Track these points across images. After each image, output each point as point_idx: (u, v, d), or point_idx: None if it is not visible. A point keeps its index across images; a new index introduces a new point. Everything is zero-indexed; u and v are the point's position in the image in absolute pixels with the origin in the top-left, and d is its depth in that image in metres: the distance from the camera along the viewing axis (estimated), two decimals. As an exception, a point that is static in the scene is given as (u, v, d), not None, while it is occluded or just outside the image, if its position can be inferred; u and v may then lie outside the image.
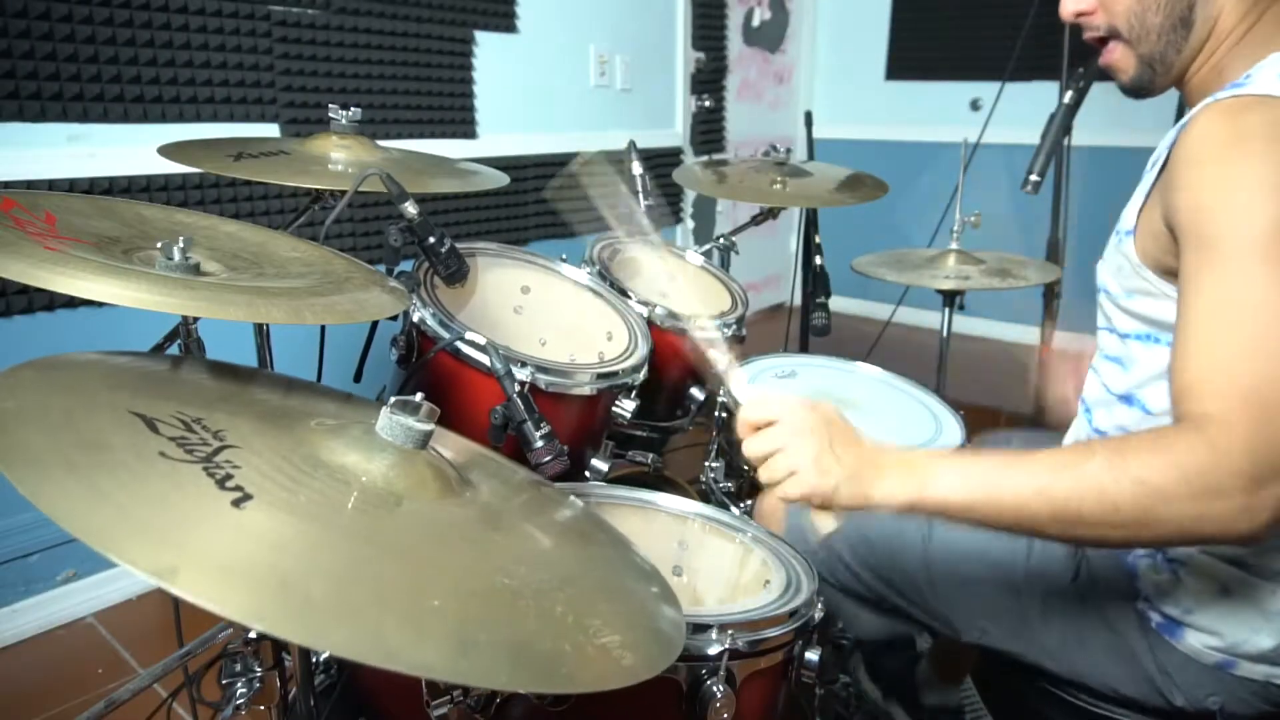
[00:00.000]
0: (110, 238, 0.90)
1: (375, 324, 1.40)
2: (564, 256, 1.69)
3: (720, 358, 0.98)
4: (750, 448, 0.88)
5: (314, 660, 1.11)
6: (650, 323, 1.62)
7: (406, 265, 1.40)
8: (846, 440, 0.87)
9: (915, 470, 0.83)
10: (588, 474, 1.43)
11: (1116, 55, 1.00)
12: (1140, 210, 0.96)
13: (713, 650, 0.93)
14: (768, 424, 0.88)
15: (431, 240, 1.30)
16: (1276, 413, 0.72)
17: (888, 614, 1.23)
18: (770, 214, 2.11)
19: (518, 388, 1.23)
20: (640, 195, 1.90)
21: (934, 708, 1.57)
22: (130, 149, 2.00)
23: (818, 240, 2.31)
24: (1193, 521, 0.73)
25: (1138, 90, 1.02)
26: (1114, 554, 1.05)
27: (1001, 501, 0.79)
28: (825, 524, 0.87)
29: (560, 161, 3.08)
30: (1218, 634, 0.97)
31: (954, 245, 2.11)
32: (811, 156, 2.78)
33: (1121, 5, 0.96)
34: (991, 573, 1.11)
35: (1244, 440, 0.72)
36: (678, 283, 1.94)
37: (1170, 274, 0.90)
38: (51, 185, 1.87)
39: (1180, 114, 0.99)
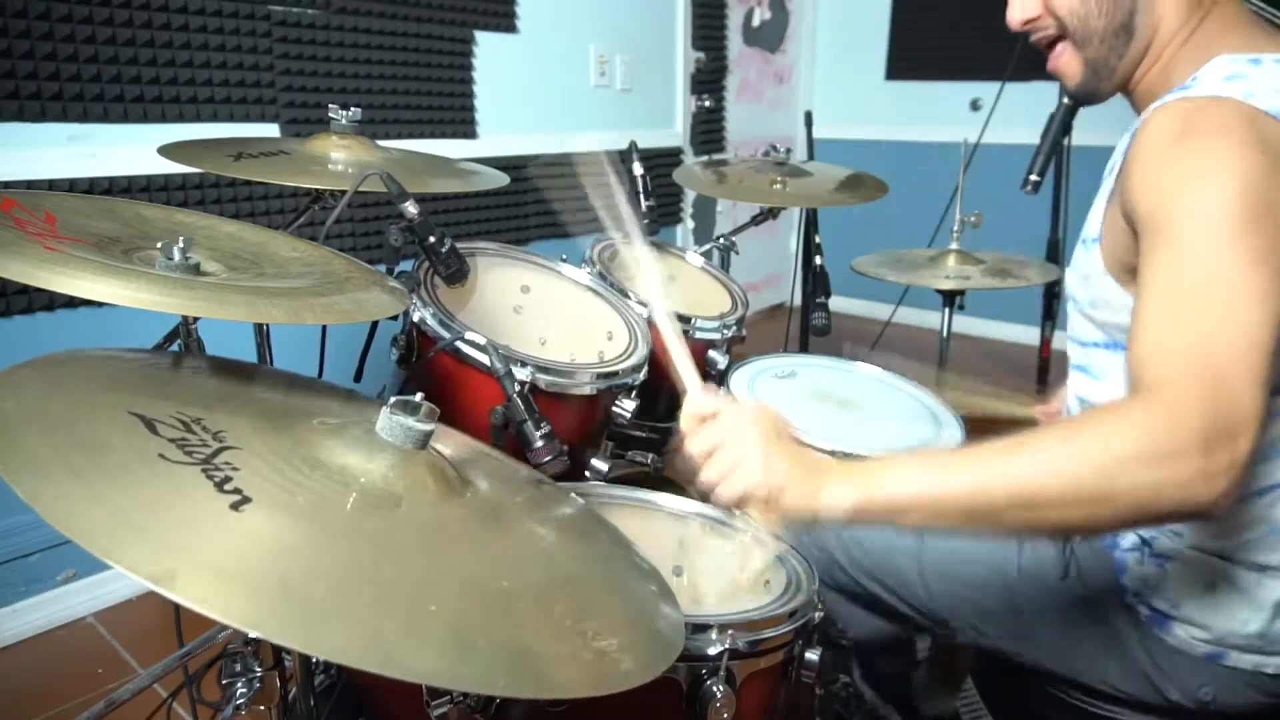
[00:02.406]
0: (110, 238, 0.90)
1: (375, 324, 1.39)
2: (564, 256, 1.69)
3: (676, 347, 0.97)
4: (694, 442, 0.87)
5: (314, 661, 1.10)
6: (650, 323, 1.62)
7: (406, 265, 1.39)
8: (790, 441, 0.86)
9: (862, 471, 0.81)
10: (588, 474, 1.43)
11: (1064, 59, 1.00)
12: (1104, 215, 0.97)
13: (713, 650, 0.92)
14: (712, 415, 0.87)
15: (432, 240, 1.29)
16: (1227, 373, 0.72)
17: (883, 615, 1.23)
18: (770, 214, 2.11)
19: (518, 388, 1.22)
20: (641, 196, 1.90)
21: (932, 717, 1.57)
22: (130, 149, 2.00)
23: (818, 240, 2.30)
24: (1152, 490, 0.71)
25: (1085, 96, 1.02)
26: (1102, 550, 1.05)
27: (955, 491, 0.76)
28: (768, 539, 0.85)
29: (560, 161, 3.09)
30: (1205, 626, 0.97)
31: (954, 245, 2.11)
32: (811, 156, 2.78)
33: (1065, 7, 0.96)
34: (985, 571, 1.11)
35: (1197, 400, 0.71)
36: (677, 283, 1.94)
37: (1133, 273, 0.90)
38: (51, 185, 1.87)
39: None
